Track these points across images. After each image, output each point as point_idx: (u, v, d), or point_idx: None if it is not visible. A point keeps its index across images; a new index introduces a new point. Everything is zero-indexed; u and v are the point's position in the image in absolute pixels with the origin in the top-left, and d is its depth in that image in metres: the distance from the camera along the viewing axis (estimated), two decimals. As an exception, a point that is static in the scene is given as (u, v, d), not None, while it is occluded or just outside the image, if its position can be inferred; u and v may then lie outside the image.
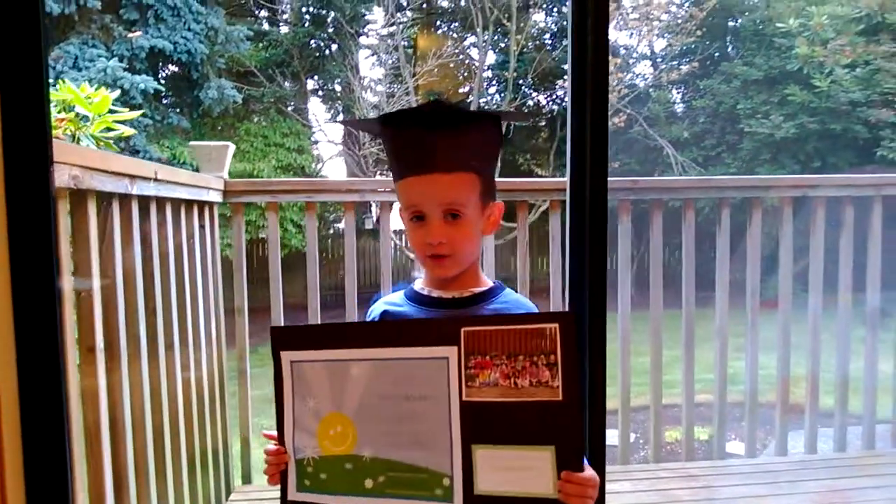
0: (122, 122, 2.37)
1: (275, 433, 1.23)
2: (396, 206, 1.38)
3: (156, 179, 2.10)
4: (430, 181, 1.22)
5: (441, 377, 1.07)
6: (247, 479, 3.04)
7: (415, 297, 1.34)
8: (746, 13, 11.05)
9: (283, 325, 1.18)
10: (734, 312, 3.08)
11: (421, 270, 1.37)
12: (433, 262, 1.26)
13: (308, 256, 2.97)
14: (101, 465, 1.83)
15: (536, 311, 1.31)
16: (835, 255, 3.03)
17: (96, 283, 1.79)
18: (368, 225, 11.60)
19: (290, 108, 11.12)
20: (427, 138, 1.21)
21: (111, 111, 2.27)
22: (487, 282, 1.34)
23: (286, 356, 1.18)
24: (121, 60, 8.37)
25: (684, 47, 10.64)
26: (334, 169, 12.79)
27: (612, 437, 3.27)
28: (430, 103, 1.26)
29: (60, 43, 8.42)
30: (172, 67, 9.91)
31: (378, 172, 9.58)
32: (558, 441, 1.04)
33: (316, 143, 11.94)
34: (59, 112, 2.28)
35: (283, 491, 1.21)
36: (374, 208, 11.45)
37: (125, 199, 1.98)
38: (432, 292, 1.32)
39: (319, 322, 2.95)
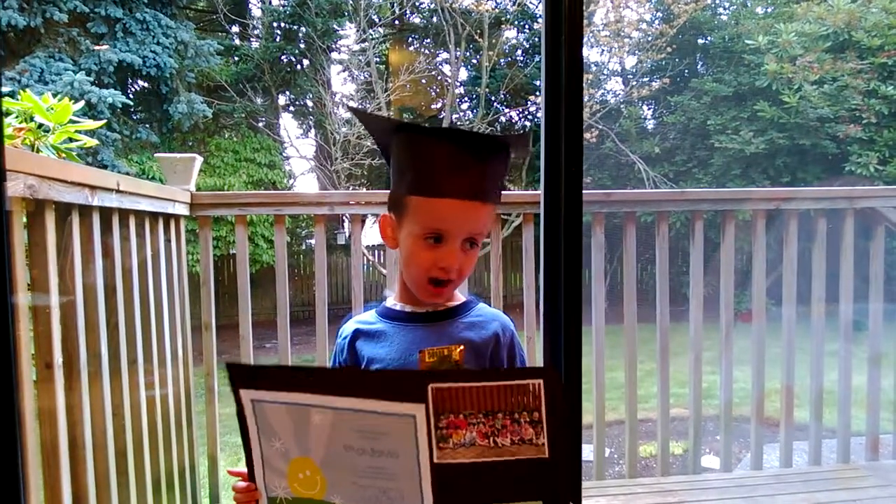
0: (85, 133, 2.31)
1: (241, 470, 1.18)
2: (371, 220, 1.32)
3: (118, 191, 2.03)
4: (468, 208, 1.18)
5: (408, 436, 0.98)
6: (215, 499, 2.96)
7: (388, 314, 1.31)
8: (716, 30, 11.22)
9: (240, 362, 1.11)
10: (708, 326, 3.06)
11: (393, 287, 1.34)
12: (435, 289, 1.23)
13: (277, 271, 2.90)
14: (59, 486, 1.76)
15: (511, 323, 1.31)
16: (808, 267, 3.03)
17: (54, 297, 1.72)
18: (341, 240, 11.56)
19: (261, 124, 11.07)
20: (476, 165, 1.17)
21: (72, 121, 2.21)
22: (460, 297, 1.33)
23: (246, 395, 1.10)
24: (88, 74, 8.26)
25: (655, 64, 10.77)
26: (306, 185, 12.77)
27: (586, 452, 3.25)
28: (491, 136, 1.20)
29: (26, 56, 8.29)
30: (141, 82, 9.82)
31: (350, 187, 9.54)
32: (546, 497, 0.97)
33: (287, 158, 11.90)
34: (20, 122, 2.22)
35: None
36: (346, 223, 11.42)
37: (85, 210, 1.91)
38: (405, 307, 1.30)
39: (289, 337, 2.89)
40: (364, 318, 1.34)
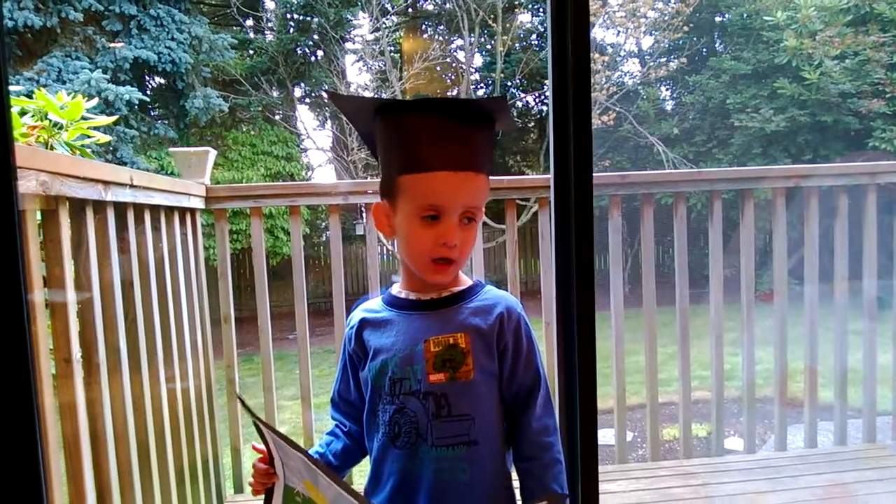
0: (98, 129, 2.32)
1: (263, 447, 1.19)
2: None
3: (132, 185, 2.04)
4: (461, 179, 1.17)
5: None
6: (238, 488, 2.99)
7: (393, 302, 1.30)
8: (733, 7, 11.05)
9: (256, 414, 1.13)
10: (729, 307, 3.03)
11: (399, 274, 1.32)
12: (438, 267, 1.20)
13: (294, 262, 2.91)
14: (81, 479, 1.77)
15: (518, 305, 1.29)
16: (830, 245, 2.99)
17: (71, 292, 1.73)
18: (360, 230, 11.56)
19: (277, 116, 11.09)
20: (461, 133, 1.16)
21: (84, 118, 2.22)
22: (466, 280, 1.30)
23: (262, 425, 1.12)
24: (105, 72, 8.32)
25: (672, 44, 10.64)
26: (324, 176, 12.77)
27: (609, 436, 3.23)
28: (471, 99, 1.19)
29: (43, 56, 8.37)
30: (158, 78, 9.88)
31: (368, 177, 9.54)
32: None
33: (305, 150, 11.91)
34: (36, 121, 2.24)
35: (267, 503, 1.20)
36: (364, 213, 11.44)
37: (100, 206, 1.92)
38: (410, 295, 1.28)
39: (308, 328, 2.90)
40: (370, 307, 1.33)
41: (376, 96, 10.36)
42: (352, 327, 1.32)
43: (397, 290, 1.31)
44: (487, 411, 1.22)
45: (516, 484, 1.27)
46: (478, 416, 1.20)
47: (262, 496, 1.21)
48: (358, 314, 1.33)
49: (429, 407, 1.19)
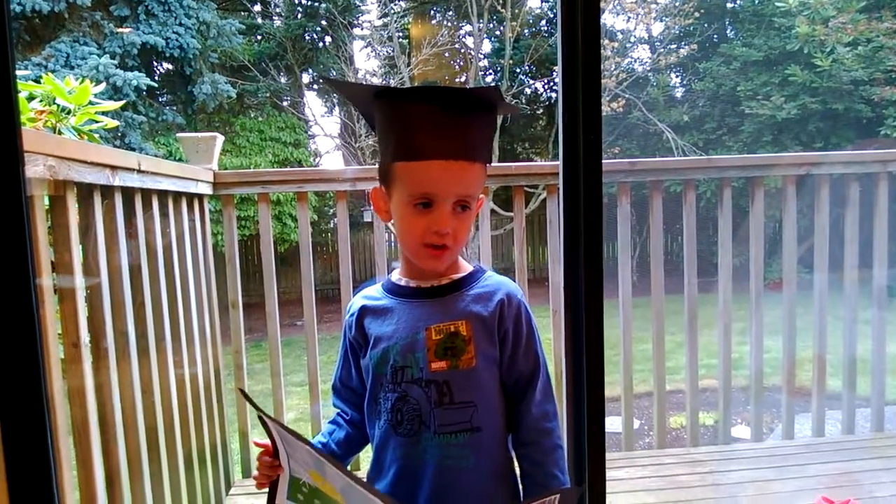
0: (106, 114, 2.32)
1: (266, 442, 1.19)
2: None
3: (139, 171, 2.04)
4: (454, 169, 1.16)
5: None
6: (247, 473, 3.01)
7: (393, 290, 1.30)
8: (745, -7, 10.98)
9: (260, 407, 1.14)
10: (737, 295, 3.02)
11: (399, 260, 1.32)
12: (432, 254, 1.20)
13: (301, 248, 2.91)
14: (90, 463, 1.78)
15: (518, 291, 1.28)
16: (840, 233, 2.97)
17: (79, 277, 1.74)
18: (367, 217, 11.56)
19: (285, 103, 11.07)
20: (457, 122, 1.15)
21: (91, 103, 2.22)
22: (467, 267, 1.30)
23: (265, 418, 1.11)
24: (113, 57, 8.31)
25: (682, 30, 10.57)
26: (332, 163, 12.77)
27: (616, 423, 3.24)
28: (464, 89, 1.18)
29: (52, 41, 8.37)
30: (166, 64, 9.87)
31: (376, 164, 9.54)
32: None
33: (313, 137, 11.90)
34: (44, 106, 2.24)
35: (272, 495, 1.19)
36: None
37: (108, 190, 1.92)
38: (410, 282, 1.28)
39: (315, 314, 2.90)
40: (370, 294, 1.33)
41: (382, 83, 10.33)
42: (352, 314, 1.32)
43: (397, 277, 1.31)
44: (490, 398, 1.22)
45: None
46: (480, 403, 1.20)
47: (267, 489, 1.21)
48: (358, 301, 1.33)
49: (431, 395, 1.19)
